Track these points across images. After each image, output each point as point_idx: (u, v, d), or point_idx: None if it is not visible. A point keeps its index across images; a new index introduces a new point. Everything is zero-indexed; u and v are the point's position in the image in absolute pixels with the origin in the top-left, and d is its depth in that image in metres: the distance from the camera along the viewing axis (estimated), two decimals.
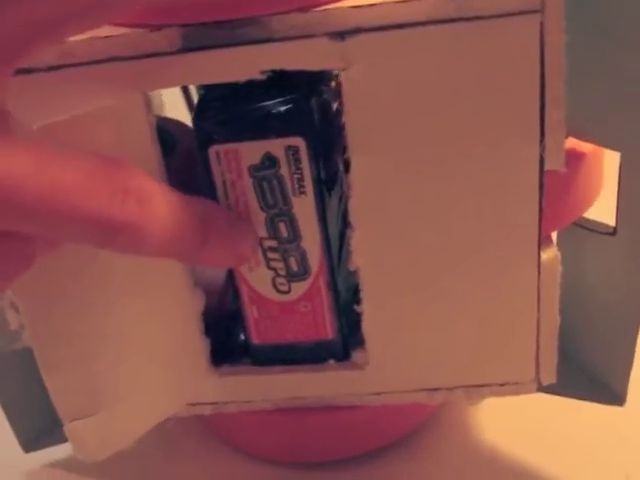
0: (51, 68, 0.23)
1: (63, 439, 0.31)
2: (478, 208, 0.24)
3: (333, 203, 0.26)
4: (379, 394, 0.28)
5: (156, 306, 0.26)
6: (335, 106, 0.26)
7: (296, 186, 0.24)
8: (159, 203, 0.20)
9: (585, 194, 0.26)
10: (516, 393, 0.28)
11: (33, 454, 0.32)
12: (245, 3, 0.21)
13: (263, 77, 0.22)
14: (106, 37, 0.22)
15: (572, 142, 0.25)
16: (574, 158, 0.25)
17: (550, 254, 0.25)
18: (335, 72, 0.24)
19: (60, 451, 0.33)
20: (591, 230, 0.27)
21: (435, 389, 0.28)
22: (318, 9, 0.21)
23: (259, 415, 0.29)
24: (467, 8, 0.21)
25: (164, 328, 0.26)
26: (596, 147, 0.25)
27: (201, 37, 0.22)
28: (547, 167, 0.23)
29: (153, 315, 0.26)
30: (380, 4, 0.21)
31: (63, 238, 0.20)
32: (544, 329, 0.26)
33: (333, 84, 0.26)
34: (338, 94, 0.23)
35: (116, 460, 0.27)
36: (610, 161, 0.26)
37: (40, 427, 0.32)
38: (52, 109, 0.23)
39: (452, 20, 0.21)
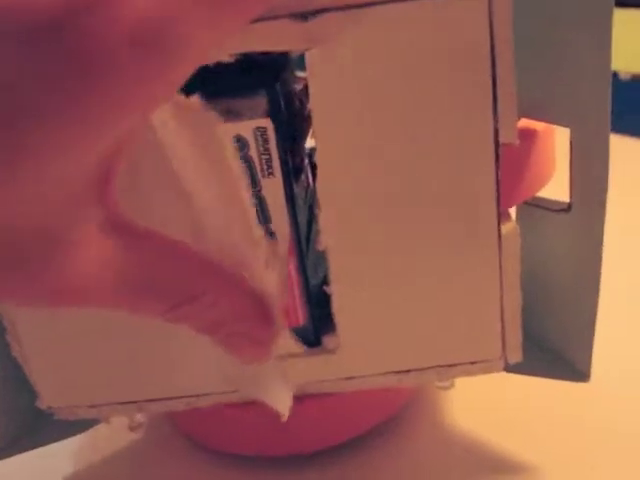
0: None
1: (37, 444, 0.31)
2: (439, 183, 0.25)
3: (300, 191, 0.27)
4: (351, 379, 0.28)
5: None
6: (300, 97, 0.27)
7: (265, 167, 0.25)
8: None
9: (539, 171, 0.27)
10: (485, 372, 0.28)
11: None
12: None
13: (231, 59, 0.23)
14: None
15: (524, 122, 0.26)
16: (527, 136, 0.26)
17: (510, 228, 0.26)
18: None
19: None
20: (546, 208, 0.28)
21: (406, 371, 0.28)
22: None
23: (231, 409, 0.29)
24: None
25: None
26: (547, 126, 0.27)
27: None
28: (502, 140, 0.24)
29: None
30: None
31: None
32: (507, 305, 0.27)
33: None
34: (305, 89, 0.24)
35: (84, 461, 0.27)
36: (563, 142, 0.27)
37: (14, 431, 0.31)
38: None
39: None
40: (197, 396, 0.29)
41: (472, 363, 0.28)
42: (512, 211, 0.28)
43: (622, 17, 0.55)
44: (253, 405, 0.29)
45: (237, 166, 0.21)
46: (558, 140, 0.28)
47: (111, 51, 0.13)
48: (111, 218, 0.17)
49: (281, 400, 0.25)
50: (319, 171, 0.25)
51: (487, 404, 0.33)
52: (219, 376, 0.27)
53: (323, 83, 0.24)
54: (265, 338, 0.22)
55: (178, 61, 0.15)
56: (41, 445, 0.31)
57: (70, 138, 0.14)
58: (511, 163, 0.25)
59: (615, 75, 0.54)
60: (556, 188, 0.28)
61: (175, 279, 0.19)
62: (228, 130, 0.24)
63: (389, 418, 0.32)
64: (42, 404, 0.29)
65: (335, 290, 0.27)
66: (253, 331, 0.21)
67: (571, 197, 0.27)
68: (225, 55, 0.23)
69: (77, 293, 0.18)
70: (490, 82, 0.24)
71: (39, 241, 0.16)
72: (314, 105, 0.24)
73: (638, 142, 0.55)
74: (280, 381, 0.25)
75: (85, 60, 0.13)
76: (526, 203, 0.29)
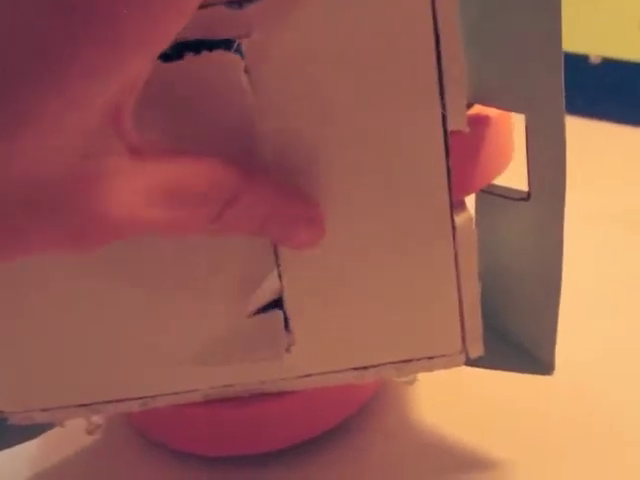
0: None
1: None
2: (387, 171, 0.24)
3: None
4: (308, 376, 0.28)
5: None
6: None
7: None
8: None
9: (494, 159, 0.26)
10: (445, 366, 0.28)
11: None
12: None
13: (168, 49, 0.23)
14: None
15: (477, 108, 0.26)
16: (479, 122, 0.25)
17: (464, 218, 0.25)
18: None
19: None
20: (506, 197, 0.27)
21: (364, 367, 0.28)
22: None
23: (181, 408, 0.29)
24: None
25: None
26: (502, 113, 0.26)
27: None
28: (450, 127, 0.24)
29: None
30: None
31: None
32: (465, 297, 0.26)
33: None
34: None
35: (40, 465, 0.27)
36: (520, 131, 0.27)
37: None
38: None
39: None
40: (153, 397, 0.28)
41: (431, 358, 0.27)
42: (470, 200, 0.27)
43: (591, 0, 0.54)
44: (213, 403, 0.29)
45: None
46: (517, 128, 0.27)
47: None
48: (132, 147, 0.20)
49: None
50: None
51: (452, 397, 0.32)
52: (198, 354, 0.27)
53: (262, 71, 0.23)
54: (316, 214, 0.24)
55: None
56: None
57: (80, 84, 0.16)
58: (463, 151, 0.25)
59: (586, 59, 0.53)
60: (519, 176, 0.27)
61: (205, 189, 0.21)
62: None
63: (354, 413, 0.31)
64: None
65: (287, 288, 0.26)
66: (304, 211, 0.24)
67: (530, 186, 0.26)
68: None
69: (114, 226, 0.19)
70: (435, 68, 0.23)
71: (68, 185, 0.18)
72: (255, 91, 0.23)
73: (608, 126, 0.54)
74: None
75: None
76: (485, 191, 0.28)
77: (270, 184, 0.23)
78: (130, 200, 0.19)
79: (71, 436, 0.31)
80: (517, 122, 0.26)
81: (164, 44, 0.18)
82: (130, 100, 0.19)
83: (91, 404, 0.29)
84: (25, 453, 0.32)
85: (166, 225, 0.21)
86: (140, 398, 0.28)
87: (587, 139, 0.48)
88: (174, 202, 0.20)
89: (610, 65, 0.53)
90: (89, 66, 0.16)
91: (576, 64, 0.53)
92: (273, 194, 0.23)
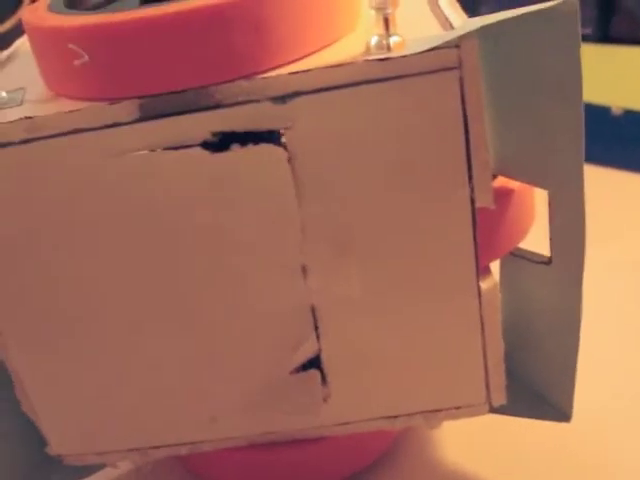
0: (22, 142, 0.25)
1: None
2: (420, 244, 0.26)
3: None
4: (345, 424, 0.30)
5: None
6: None
7: None
8: None
9: (517, 227, 0.28)
10: (470, 415, 0.30)
11: None
12: (195, 74, 0.24)
13: (215, 139, 0.25)
14: (70, 111, 0.24)
15: (501, 180, 0.27)
16: (504, 195, 0.27)
17: (489, 283, 0.27)
18: None
19: None
20: (528, 259, 0.29)
21: (395, 416, 0.30)
22: (260, 76, 0.24)
23: (239, 452, 0.31)
24: (392, 69, 0.23)
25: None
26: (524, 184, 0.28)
27: (156, 107, 0.24)
28: (478, 205, 0.26)
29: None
30: (314, 70, 0.24)
31: None
32: (490, 353, 0.28)
33: None
34: None
35: None
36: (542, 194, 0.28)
37: (24, 475, 0.33)
38: (28, 180, 0.25)
39: (380, 80, 0.24)
40: (201, 442, 0.31)
41: (457, 408, 0.29)
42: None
43: (612, 53, 0.55)
44: (256, 447, 0.31)
45: None
46: (539, 192, 0.29)
47: None
48: None
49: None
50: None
51: (476, 438, 0.34)
52: (243, 404, 0.29)
53: (304, 159, 0.25)
54: None
55: None
56: None
57: None
58: (489, 222, 0.27)
59: (607, 110, 0.54)
60: (540, 239, 0.29)
61: None
62: None
63: (382, 455, 0.34)
64: (52, 451, 0.31)
65: (324, 348, 0.28)
66: None
67: (551, 251, 0.28)
68: (209, 136, 0.24)
69: None
70: (464, 155, 0.25)
71: None
72: (297, 178, 0.25)
73: (629, 175, 0.55)
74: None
75: None
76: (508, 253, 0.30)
77: None
78: None
79: None
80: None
81: None
82: None
83: (142, 449, 0.31)
84: None
85: None
86: (188, 444, 0.31)
87: (608, 188, 0.49)
88: None
89: (632, 116, 0.54)
90: None
91: (598, 115, 0.54)
92: None
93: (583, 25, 0.24)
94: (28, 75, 0.29)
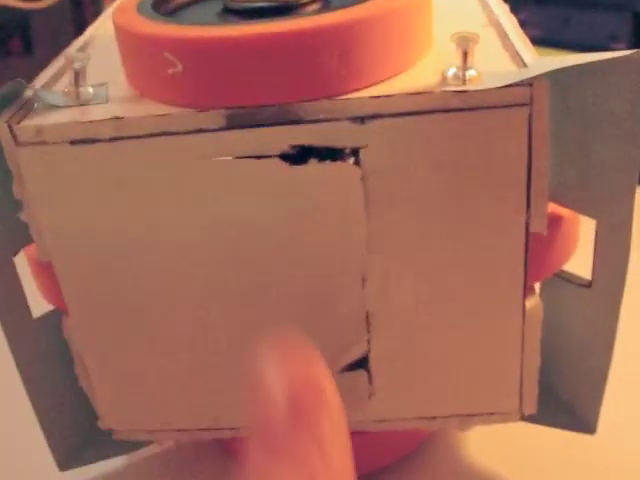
0: (111, 139, 0.26)
1: (97, 458, 0.35)
2: (475, 263, 0.28)
3: None
4: (383, 421, 0.32)
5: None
6: None
7: None
8: None
9: (563, 251, 0.30)
10: (502, 421, 0.32)
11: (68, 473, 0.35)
12: (281, 91, 0.25)
13: (294, 152, 0.26)
14: (160, 115, 0.26)
15: (552, 207, 0.29)
16: (555, 222, 0.29)
17: (533, 303, 0.29)
18: None
19: (94, 470, 0.36)
20: (569, 281, 0.31)
21: (432, 417, 0.32)
22: (342, 97, 0.26)
23: None
24: (468, 101, 0.25)
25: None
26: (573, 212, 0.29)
27: (242, 118, 0.26)
28: (532, 230, 0.27)
29: None
30: (395, 95, 0.25)
31: None
32: (526, 367, 0.30)
33: None
34: None
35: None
36: (585, 219, 0.30)
37: (75, 445, 0.35)
38: (115, 177, 0.27)
39: (455, 110, 0.25)
40: (244, 427, 0.32)
41: (491, 414, 0.31)
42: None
43: None
44: None
45: None
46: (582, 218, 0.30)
47: None
48: None
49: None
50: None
51: (499, 441, 0.36)
52: None
53: (376, 177, 0.26)
54: None
55: None
56: (102, 459, 0.35)
57: None
58: (539, 245, 0.28)
59: None
60: (579, 262, 0.31)
61: None
62: None
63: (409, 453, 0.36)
64: (103, 425, 0.33)
65: (373, 351, 0.30)
66: None
67: (593, 276, 0.30)
68: (288, 148, 0.26)
69: None
70: (525, 182, 0.26)
71: None
72: (368, 194, 0.27)
73: None
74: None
75: None
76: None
77: None
78: None
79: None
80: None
81: None
82: None
83: (190, 430, 0.33)
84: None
85: None
86: (232, 428, 0.33)
87: None
88: None
89: None
90: None
91: None
92: None
93: None
94: (107, 69, 0.30)
